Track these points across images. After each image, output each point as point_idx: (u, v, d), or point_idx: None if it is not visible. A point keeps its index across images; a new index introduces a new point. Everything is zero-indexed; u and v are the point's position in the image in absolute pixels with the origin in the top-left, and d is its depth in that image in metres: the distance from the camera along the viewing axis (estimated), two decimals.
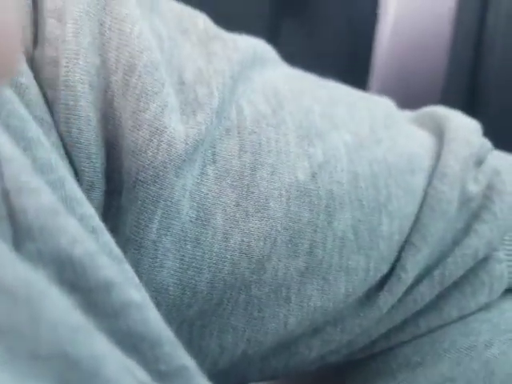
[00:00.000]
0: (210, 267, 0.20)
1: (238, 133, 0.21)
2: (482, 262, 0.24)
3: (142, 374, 0.12)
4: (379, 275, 0.23)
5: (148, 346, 0.13)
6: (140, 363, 0.12)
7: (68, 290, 0.12)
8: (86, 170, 0.19)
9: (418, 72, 0.49)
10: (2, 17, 0.08)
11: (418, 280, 0.24)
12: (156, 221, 0.19)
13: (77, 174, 0.19)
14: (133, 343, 0.13)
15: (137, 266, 0.19)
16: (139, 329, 0.13)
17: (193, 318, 0.21)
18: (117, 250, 0.15)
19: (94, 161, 0.19)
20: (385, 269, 0.23)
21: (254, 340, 0.22)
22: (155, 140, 0.19)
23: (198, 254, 0.20)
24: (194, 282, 0.20)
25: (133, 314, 0.13)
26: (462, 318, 0.25)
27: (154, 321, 0.13)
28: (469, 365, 0.22)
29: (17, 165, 0.13)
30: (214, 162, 0.20)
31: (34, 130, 0.16)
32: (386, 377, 0.24)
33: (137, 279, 0.15)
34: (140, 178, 0.19)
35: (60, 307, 0.11)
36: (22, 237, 0.12)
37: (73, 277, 0.12)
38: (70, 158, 0.19)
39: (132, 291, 0.13)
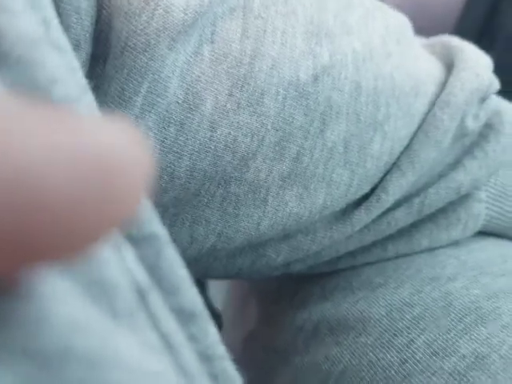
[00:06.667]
0: (191, 155, 0.19)
1: (244, 14, 0.19)
2: (463, 199, 0.24)
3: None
4: (360, 193, 0.23)
5: None
6: None
7: None
8: (74, 26, 0.17)
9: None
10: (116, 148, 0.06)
11: (397, 205, 0.24)
12: (141, 94, 0.18)
13: (64, 30, 0.17)
14: None
15: None
16: None
17: (167, 204, 0.20)
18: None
19: (83, 17, 0.17)
20: (367, 188, 0.23)
21: (225, 235, 0.21)
22: (152, 3, 0.17)
23: (180, 138, 0.19)
24: (172, 167, 0.19)
25: None
26: (430, 250, 0.25)
27: None
28: (429, 293, 0.23)
29: None
30: (212, 41, 0.19)
31: None
32: (344, 291, 0.25)
33: None
34: (130, 44, 0.18)
35: None
36: None
37: None
38: (58, 11, 0.17)
39: None
